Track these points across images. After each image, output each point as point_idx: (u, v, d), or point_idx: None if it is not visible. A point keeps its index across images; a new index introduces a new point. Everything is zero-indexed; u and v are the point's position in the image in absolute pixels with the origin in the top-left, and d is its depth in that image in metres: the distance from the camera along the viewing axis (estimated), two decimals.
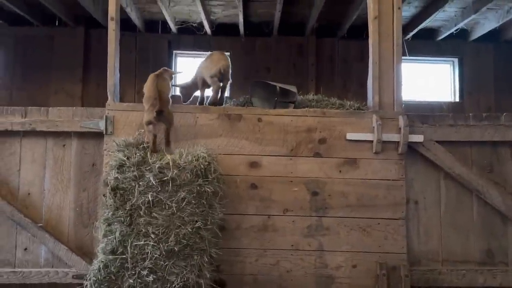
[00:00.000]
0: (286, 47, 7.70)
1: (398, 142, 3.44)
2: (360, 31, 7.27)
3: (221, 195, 3.10)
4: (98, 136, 3.44)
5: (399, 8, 3.59)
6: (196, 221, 2.86)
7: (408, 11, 6.76)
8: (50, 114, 3.48)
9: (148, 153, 3.02)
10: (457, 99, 7.76)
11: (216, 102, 3.59)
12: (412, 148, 3.47)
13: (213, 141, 3.43)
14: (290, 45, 7.69)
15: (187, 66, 8.07)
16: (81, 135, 3.48)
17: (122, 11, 6.35)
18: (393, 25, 3.60)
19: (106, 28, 3.57)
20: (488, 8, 6.25)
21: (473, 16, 6.51)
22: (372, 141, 3.45)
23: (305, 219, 3.41)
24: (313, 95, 4.09)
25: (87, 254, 3.38)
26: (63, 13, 6.99)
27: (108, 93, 3.51)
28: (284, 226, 3.40)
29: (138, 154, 2.97)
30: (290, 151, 3.46)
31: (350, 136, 3.46)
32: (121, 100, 7.58)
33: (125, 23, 6.97)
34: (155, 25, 7.56)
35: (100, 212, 3.12)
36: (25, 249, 3.40)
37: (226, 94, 7.53)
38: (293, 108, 3.67)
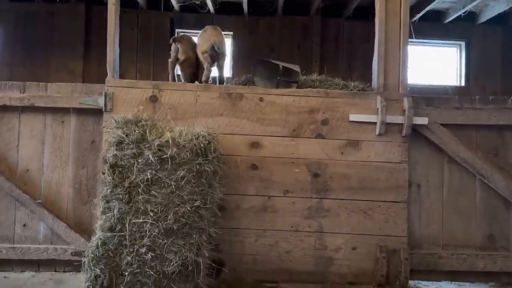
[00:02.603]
0: (291, 27, 7.56)
1: (402, 124, 3.37)
2: (366, 11, 7.12)
3: (221, 174, 3.06)
4: (97, 112, 3.39)
5: None
6: (195, 200, 2.82)
7: None
8: (49, 89, 3.42)
9: (147, 131, 2.97)
10: (463, 83, 7.64)
11: (208, 79, 3.51)
12: (416, 130, 3.41)
13: (214, 120, 3.38)
14: (295, 25, 7.54)
15: None
16: (80, 111, 3.43)
17: None
18: (401, 4, 3.50)
19: (107, 4, 3.49)
20: None
21: None
22: (375, 123, 3.38)
23: (305, 201, 3.37)
24: (317, 75, 4.01)
25: (86, 231, 3.37)
26: None
27: (108, 69, 3.44)
28: (284, 207, 3.37)
29: (137, 131, 2.91)
30: (292, 132, 3.41)
31: (353, 117, 3.40)
32: (123, 77, 7.51)
33: (127, 0, 6.85)
34: (157, 2, 7.43)
35: (99, 189, 3.09)
36: (24, 225, 3.39)
37: (229, 74, 7.47)
38: (296, 88, 3.59)
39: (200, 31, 7.85)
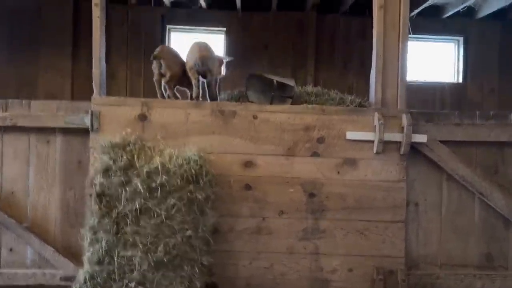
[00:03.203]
0: (285, 23, 7.37)
1: (400, 142, 3.26)
2: (362, 7, 6.94)
3: (214, 199, 2.96)
4: (84, 131, 3.25)
5: None
6: (187, 229, 2.73)
7: None
8: (33, 107, 3.27)
9: (135, 156, 2.85)
10: (460, 80, 7.53)
11: (199, 96, 3.36)
12: (414, 147, 3.31)
13: (206, 139, 3.25)
14: (289, 21, 7.35)
15: (181, 42, 7.77)
16: (66, 130, 3.28)
17: None
18: (400, 15, 3.35)
19: None
20: None
21: None
22: (373, 141, 3.27)
23: (301, 222, 3.28)
24: (312, 87, 3.88)
25: (74, 255, 3.25)
26: None
27: (94, 86, 3.29)
28: (279, 229, 3.28)
29: (125, 157, 2.80)
30: (286, 150, 3.29)
31: (350, 135, 3.29)
32: (113, 76, 7.36)
33: None
34: None
35: (86, 218, 2.97)
36: (11, 249, 3.28)
37: (222, 71, 7.27)
38: (291, 102, 3.47)
39: (191, 27, 7.66)
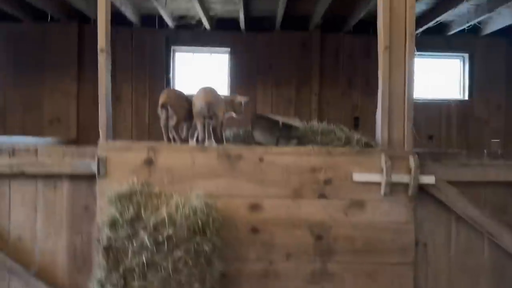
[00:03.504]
0: (289, 43, 7.40)
1: (408, 183, 3.24)
2: (366, 26, 6.93)
3: (221, 247, 2.95)
4: (90, 176, 3.25)
5: (411, 36, 3.32)
6: (194, 282, 2.71)
7: (418, 7, 6.41)
8: (39, 154, 3.27)
9: (142, 207, 2.84)
10: (466, 97, 7.49)
11: (204, 139, 3.36)
12: (422, 187, 3.28)
13: (212, 183, 3.24)
14: (293, 40, 7.38)
15: (185, 62, 7.79)
16: (73, 176, 3.28)
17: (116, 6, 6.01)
18: (405, 54, 3.33)
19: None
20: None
21: (487, 15, 6.18)
22: (380, 182, 3.25)
23: (308, 265, 3.26)
24: (317, 123, 3.85)
25: None
26: (55, 9, 6.68)
27: (100, 132, 3.29)
28: (287, 272, 3.26)
29: (132, 208, 2.79)
30: (293, 193, 3.27)
31: (357, 177, 3.26)
32: (118, 98, 7.37)
33: (121, 18, 6.66)
34: (151, 20, 7.24)
35: (95, 265, 2.97)
36: None
37: (226, 91, 7.28)
38: (297, 143, 3.46)
39: (195, 47, 7.65)
